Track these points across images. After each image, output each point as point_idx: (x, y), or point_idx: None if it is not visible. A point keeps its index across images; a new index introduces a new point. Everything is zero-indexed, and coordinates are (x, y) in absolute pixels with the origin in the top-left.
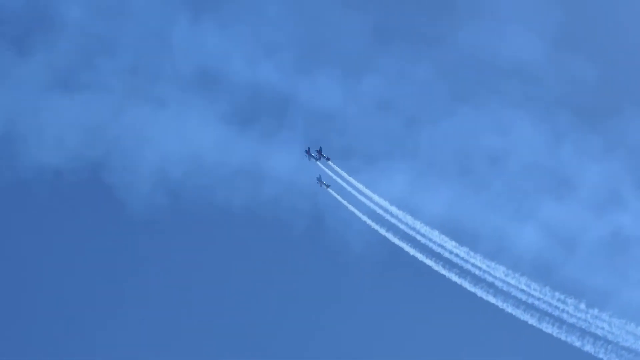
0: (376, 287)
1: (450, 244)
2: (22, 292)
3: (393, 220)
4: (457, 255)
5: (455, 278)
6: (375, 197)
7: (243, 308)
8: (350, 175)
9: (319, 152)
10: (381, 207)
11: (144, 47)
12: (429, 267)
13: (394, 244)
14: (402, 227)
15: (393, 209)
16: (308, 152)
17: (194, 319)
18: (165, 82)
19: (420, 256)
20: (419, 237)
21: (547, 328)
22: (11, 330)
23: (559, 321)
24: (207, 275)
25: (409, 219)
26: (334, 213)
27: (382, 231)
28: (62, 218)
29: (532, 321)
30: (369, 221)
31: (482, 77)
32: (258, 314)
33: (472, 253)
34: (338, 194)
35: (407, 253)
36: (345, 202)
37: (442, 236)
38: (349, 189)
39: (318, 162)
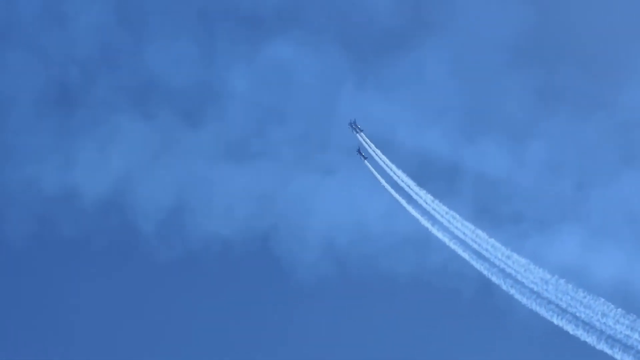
0: (540, 356)
1: (616, 313)
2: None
3: (552, 297)
4: (620, 332)
5: (618, 355)
6: (532, 269)
7: None
8: (519, 240)
9: (354, 123)
10: (541, 279)
11: (311, 115)
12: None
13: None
14: (563, 303)
15: (552, 281)
16: (351, 124)
17: None
18: (333, 150)
19: (581, 333)
20: (579, 313)
21: None
22: None
23: None
24: (375, 342)
25: (570, 289)
26: (501, 279)
27: (542, 310)
28: (230, 288)
29: None
30: (523, 300)
31: None
32: None
33: (639, 321)
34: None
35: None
36: (496, 280)
37: (608, 304)
38: (510, 265)
39: (358, 135)
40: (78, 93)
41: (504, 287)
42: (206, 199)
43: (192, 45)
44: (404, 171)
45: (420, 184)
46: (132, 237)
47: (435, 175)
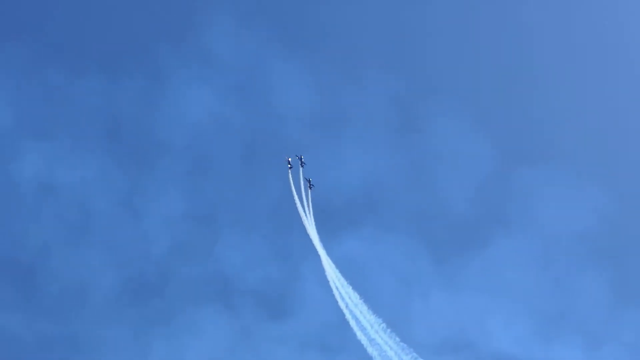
0: None
1: None
2: None
3: None
4: None
5: None
6: None
7: None
8: None
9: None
10: None
11: (385, 309)
12: None
13: None
14: None
15: None
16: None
17: None
18: (416, 348)
19: None
20: None
21: None
22: None
23: None
24: None
25: None
26: None
27: None
28: None
29: None
30: None
31: None
32: None
33: None
34: None
35: None
36: None
37: None
38: None
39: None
40: (152, 288)
41: None
42: None
43: (264, 239)
44: None
45: None
46: None
47: None
